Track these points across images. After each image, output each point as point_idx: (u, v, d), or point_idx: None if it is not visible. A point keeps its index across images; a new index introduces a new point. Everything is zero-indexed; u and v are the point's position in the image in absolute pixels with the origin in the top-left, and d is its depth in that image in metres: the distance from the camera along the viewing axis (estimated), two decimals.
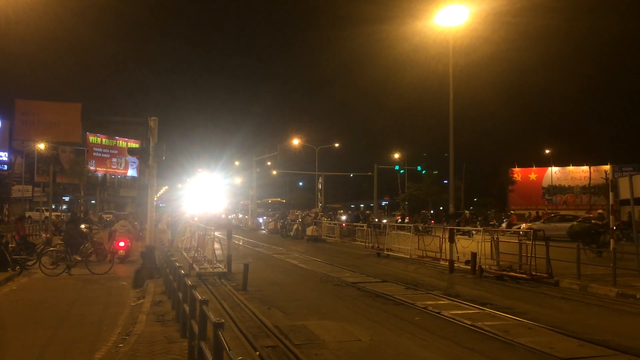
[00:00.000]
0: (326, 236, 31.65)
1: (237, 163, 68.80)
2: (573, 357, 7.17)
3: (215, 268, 15.68)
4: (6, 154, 59.23)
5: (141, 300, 11.35)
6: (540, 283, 13.67)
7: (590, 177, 67.89)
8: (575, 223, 22.32)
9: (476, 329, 8.74)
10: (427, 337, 8.33)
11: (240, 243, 28.36)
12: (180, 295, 8.41)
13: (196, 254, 18.13)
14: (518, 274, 14.33)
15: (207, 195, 45.03)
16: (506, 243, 16.08)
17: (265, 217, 47.39)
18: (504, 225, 30.14)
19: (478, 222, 34.96)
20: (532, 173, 78.46)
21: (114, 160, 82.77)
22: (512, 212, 41.41)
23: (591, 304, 11.33)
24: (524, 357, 7.31)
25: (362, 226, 27.95)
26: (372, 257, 21.13)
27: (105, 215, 52.39)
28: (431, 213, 46.89)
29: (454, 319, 9.45)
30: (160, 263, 14.71)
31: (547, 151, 74.85)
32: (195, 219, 33.87)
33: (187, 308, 7.30)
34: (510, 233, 20.11)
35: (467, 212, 36.26)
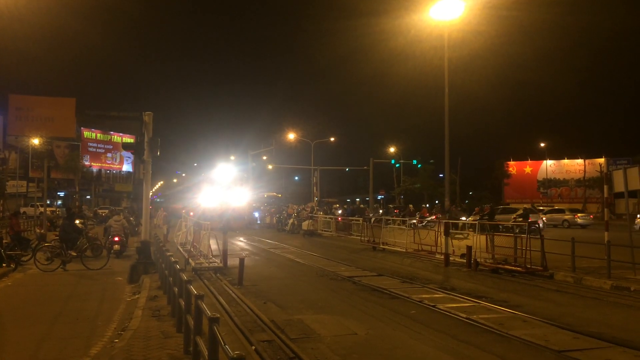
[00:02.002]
0: (322, 230, 31.67)
1: (232, 158, 68.68)
2: (568, 349, 7.20)
3: (211, 263, 15.67)
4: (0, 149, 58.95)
5: (137, 296, 11.33)
6: (535, 276, 13.73)
7: (585, 170, 68.14)
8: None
9: (471, 322, 8.77)
10: (422, 330, 8.36)
11: (236, 237, 28.34)
12: (176, 290, 8.40)
13: (192, 249, 18.11)
14: (513, 267, 14.38)
15: (223, 187, 38.47)
16: (501, 236, 16.12)
17: (260, 211, 47.27)
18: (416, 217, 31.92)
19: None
20: (527, 166, 78.70)
21: (109, 155, 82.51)
22: (423, 206, 43.60)
23: (586, 296, 11.39)
24: (519, 349, 7.34)
25: (358, 220, 27.98)
26: (368, 251, 21.16)
27: (100, 211, 52.25)
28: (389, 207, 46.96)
29: (450, 312, 9.48)
30: (156, 258, 14.68)
31: (542, 144, 75.05)
32: (191, 213, 33.74)
33: (182, 303, 7.29)
34: (421, 225, 23.15)
35: (410, 205, 40.30)
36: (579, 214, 39.08)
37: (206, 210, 33.56)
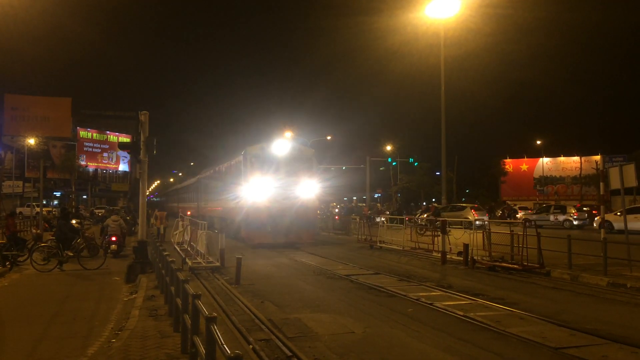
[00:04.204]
0: (319, 229, 31.67)
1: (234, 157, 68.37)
2: (565, 346, 7.22)
3: (208, 262, 15.67)
4: None
5: (134, 295, 11.32)
6: (531, 273, 13.76)
7: (581, 168, 68.31)
8: None
9: (468, 320, 8.78)
10: (420, 328, 8.37)
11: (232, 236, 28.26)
12: (173, 289, 8.39)
13: (189, 248, 18.10)
14: (510, 265, 14.41)
15: (281, 174, 22.56)
16: (498, 234, 16.16)
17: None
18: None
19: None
20: (524, 164, 78.93)
21: (105, 154, 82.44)
22: (362, 204, 45.94)
23: (582, 293, 11.42)
24: (516, 347, 7.36)
25: (355, 219, 27.99)
26: (365, 249, 21.17)
27: (97, 210, 52.17)
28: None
29: (447, 310, 9.49)
30: (153, 258, 14.66)
31: (539, 142, 75.29)
32: (188, 213, 33.57)
33: (179, 302, 7.28)
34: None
35: (378, 204, 42.25)
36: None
37: (253, 208, 21.58)
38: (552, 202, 53.20)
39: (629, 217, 29.12)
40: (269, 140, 23.20)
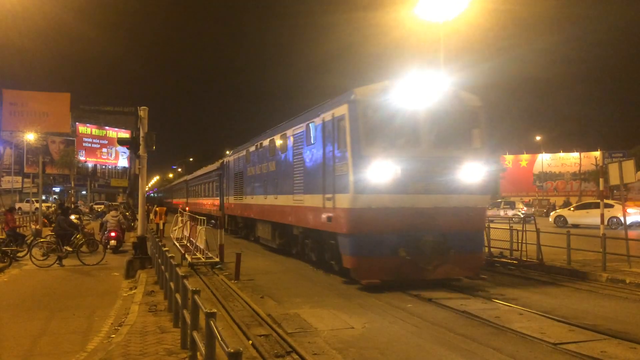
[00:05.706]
0: None
1: (228, 152, 68.44)
2: (563, 341, 7.24)
3: (207, 258, 15.67)
4: None
5: (133, 291, 11.33)
6: (530, 269, 13.77)
7: (580, 164, 68.29)
8: None
9: (468, 316, 8.79)
10: (419, 324, 8.37)
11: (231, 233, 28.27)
12: (172, 285, 8.39)
13: (188, 244, 18.09)
14: (509, 260, 14.43)
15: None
16: (497, 230, 16.17)
17: None
18: None
19: None
20: (523, 160, 78.86)
21: (104, 150, 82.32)
22: None
23: (581, 289, 11.44)
24: (516, 342, 7.37)
25: None
26: None
27: (96, 206, 52.15)
28: None
29: (446, 306, 9.50)
30: (152, 253, 14.66)
31: (538, 138, 75.24)
32: (187, 209, 33.51)
33: (179, 298, 7.28)
34: None
35: None
36: None
37: (368, 210, 11.02)
38: (548, 198, 53.38)
39: (580, 212, 29.85)
40: (393, 78, 12.07)
